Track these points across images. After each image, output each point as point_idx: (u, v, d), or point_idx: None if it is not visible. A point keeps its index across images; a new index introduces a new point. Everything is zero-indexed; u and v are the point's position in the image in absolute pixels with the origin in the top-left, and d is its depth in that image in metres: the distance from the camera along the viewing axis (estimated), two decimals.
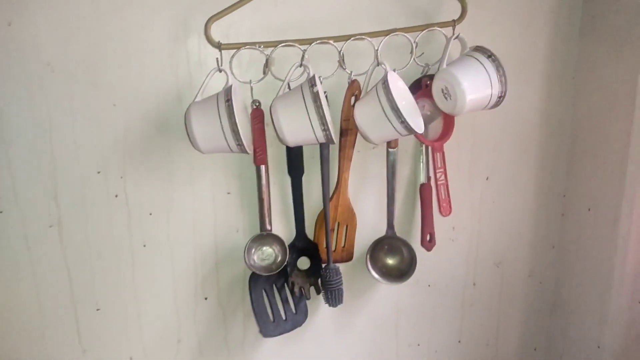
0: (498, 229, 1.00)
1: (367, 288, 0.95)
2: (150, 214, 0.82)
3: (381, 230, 0.90)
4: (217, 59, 0.73)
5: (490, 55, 0.77)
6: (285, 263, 0.83)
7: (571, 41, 0.93)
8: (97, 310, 0.84)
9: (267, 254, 0.84)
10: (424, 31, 0.79)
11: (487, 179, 0.97)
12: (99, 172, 0.78)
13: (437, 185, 0.87)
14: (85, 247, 0.81)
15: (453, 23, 0.81)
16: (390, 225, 0.89)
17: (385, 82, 0.72)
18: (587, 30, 0.92)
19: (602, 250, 0.93)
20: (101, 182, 0.78)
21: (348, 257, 0.89)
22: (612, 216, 0.90)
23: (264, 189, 0.81)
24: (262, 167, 0.81)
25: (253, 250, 0.83)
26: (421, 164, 0.89)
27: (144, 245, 0.83)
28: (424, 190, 0.89)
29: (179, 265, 0.85)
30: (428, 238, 0.90)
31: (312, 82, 0.71)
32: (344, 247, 0.88)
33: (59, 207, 0.78)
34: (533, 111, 0.95)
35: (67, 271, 0.81)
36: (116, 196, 0.80)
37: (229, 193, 0.84)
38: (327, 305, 0.87)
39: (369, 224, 0.90)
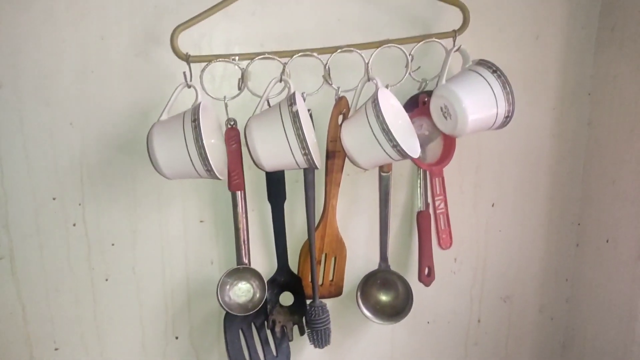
0: (505, 261, 0.91)
1: (359, 326, 0.85)
2: (113, 245, 0.73)
3: (374, 263, 0.80)
4: (184, 73, 0.65)
5: (495, 70, 0.68)
6: (264, 301, 0.74)
7: (586, 54, 0.84)
8: (56, 350, 0.75)
9: (243, 291, 0.75)
10: (421, 43, 0.71)
11: (492, 205, 0.87)
12: (54, 199, 0.70)
13: (435, 214, 0.78)
14: (40, 281, 0.72)
15: (454, 34, 0.72)
16: (383, 257, 0.80)
17: (375, 100, 0.63)
18: (604, 42, 0.83)
19: (623, 286, 0.82)
20: (57, 210, 0.70)
21: (337, 292, 0.80)
22: (635, 249, 0.80)
23: (241, 217, 0.73)
24: (239, 192, 0.72)
25: (228, 286, 0.74)
26: (418, 190, 0.80)
27: (107, 279, 0.74)
28: (422, 219, 0.79)
29: (146, 301, 0.76)
30: (426, 272, 0.81)
31: (291, 100, 0.63)
32: (332, 281, 0.79)
33: (11, 237, 0.70)
34: (544, 131, 0.86)
35: (21, 307, 0.73)
36: (74, 225, 0.71)
37: (201, 221, 0.75)
38: (312, 346, 0.78)
39: (360, 256, 0.81)
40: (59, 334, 0.75)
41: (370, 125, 0.63)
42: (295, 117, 0.61)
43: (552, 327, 0.96)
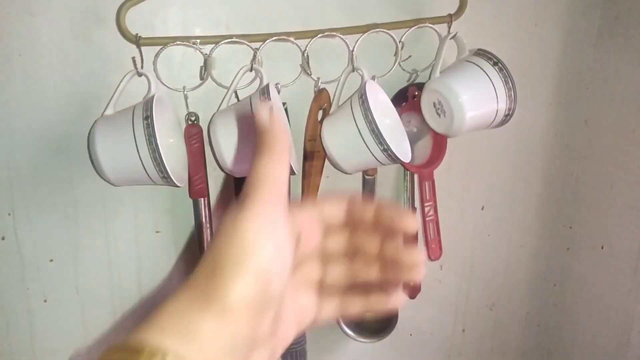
0: (493, 267, 0.84)
1: (337, 343, 0.77)
2: (51, 261, 0.62)
3: None
4: (133, 58, 0.54)
5: (496, 63, 0.60)
6: None
7: (586, 45, 0.78)
8: None
9: None
10: (413, 28, 0.62)
11: (482, 208, 0.80)
12: None
13: (424, 222, 0.70)
14: None
15: (449, 18, 0.63)
16: None
17: (363, 95, 0.54)
18: (606, 32, 0.76)
19: (618, 295, 0.78)
20: None
21: None
22: (633, 258, 0.75)
23: (204, 228, 0.63)
24: (202, 200, 0.62)
25: None
26: (404, 193, 0.72)
27: (45, 301, 0.63)
28: None
29: (92, 324, 0.65)
30: (412, 283, 0.74)
31: (264, 92, 0.53)
32: None
33: None
34: (539, 128, 0.80)
35: None
36: (3, 239, 0.60)
37: (157, 232, 0.65)
38: None
39: None
40: None
41: (357, 125, 0.55)
42: None
43: (538, 333, 0.92)
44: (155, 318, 0.24)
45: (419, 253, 0.31)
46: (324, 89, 0.62)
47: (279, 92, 0.60)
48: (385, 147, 0.54)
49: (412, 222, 0.30)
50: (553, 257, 0.87)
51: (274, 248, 0.26)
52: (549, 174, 0.82)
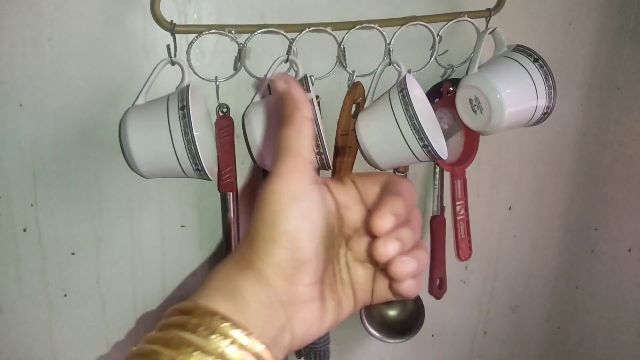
0: (517, 268, 0.83)
1: (358, 342, 0.76)
2: (73, 254, 0.60)
3: None
4: (168, 46, 0.52)
5: (537, 59, 0.59)
6: None
7: (620, 45, 0.76)
8: None
9: None
10: (452, 22, 0.60)
11: (509, 208, 0.79)
12: None
13: (455, 221, 0.69)
14: None
15: (488, 13, 0.62)
16: None
17: (403, 88, 0.53)
18: None
19: None
20: (3, 211, 0.56)
21: None
22: None
23: (232, 223, 0.61)
24: (230, 194, 0.60)
25: None
26: (434, 191, 0.70)
27: (65, 295, 0.61)
28: (436, 225, 0.70)
29: (113, 321, 0.63)
30: (438, 283, 0.72)
31: (303, 85, 0.51)
32: None
33: None
34: (568, 128, 0.78)
35: None
36: (24, 230, 0.58)
37: (183, 226, 0.63)
38: None
39: None
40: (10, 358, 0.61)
41: (396, 120, 0.53)
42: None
43: (559, 336, 0.90)
44: (206, 282, 0.28)
45: (378, 246, 0.29)
46: (358, 83, 0.60)
47: (312, 84, 0.58)
48: (426, 142, 0.52)
49: (377, 223, 0.29)
50: (576, 258, 0.86)
51: (299, 213, 0.28)
52: (576, 175, 0.81)
